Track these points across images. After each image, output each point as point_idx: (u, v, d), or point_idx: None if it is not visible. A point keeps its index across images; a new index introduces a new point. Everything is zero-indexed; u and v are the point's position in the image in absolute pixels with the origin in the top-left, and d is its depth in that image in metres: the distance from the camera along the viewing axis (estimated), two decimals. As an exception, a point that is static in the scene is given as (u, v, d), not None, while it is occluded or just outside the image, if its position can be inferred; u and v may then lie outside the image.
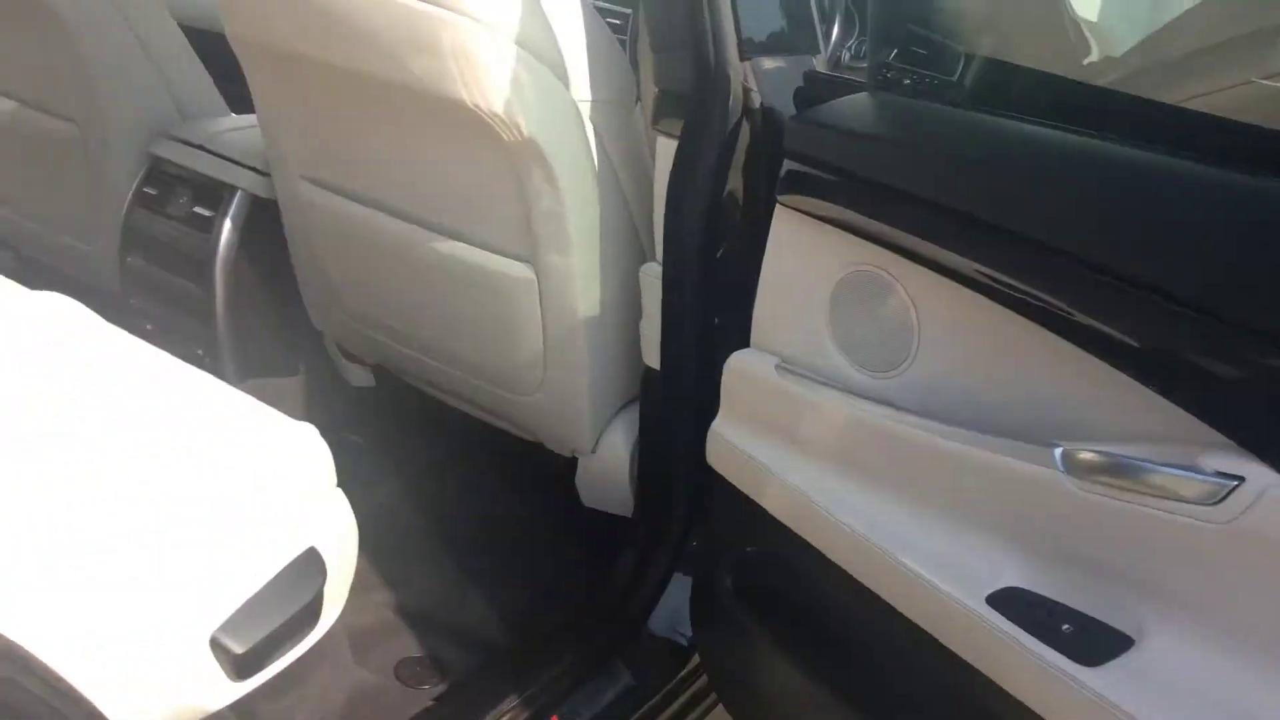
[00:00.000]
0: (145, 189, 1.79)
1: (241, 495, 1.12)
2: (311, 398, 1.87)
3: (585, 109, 1.33)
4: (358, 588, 1.36)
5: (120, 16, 1.76)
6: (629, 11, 1.94)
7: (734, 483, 1.21)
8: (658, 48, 1.27)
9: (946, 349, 1.01)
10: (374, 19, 1.28)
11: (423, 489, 1.78)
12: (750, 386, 1.18)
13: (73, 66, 1.74)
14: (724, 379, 1.21)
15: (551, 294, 1.42)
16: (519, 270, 1.42)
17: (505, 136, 1.28)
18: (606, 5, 1.96)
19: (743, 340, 1.21)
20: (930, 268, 0.99)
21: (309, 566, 1.14)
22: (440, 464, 1.83)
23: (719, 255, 1.27)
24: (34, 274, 2.09)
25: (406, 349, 1.68)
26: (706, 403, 1.26)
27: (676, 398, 1.36)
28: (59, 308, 1.42)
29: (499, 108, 1.25)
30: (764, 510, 1.15)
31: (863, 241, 1.04)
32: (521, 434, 1.68)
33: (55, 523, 1.06)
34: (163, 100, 1.85)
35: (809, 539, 1.08)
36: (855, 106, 1.11)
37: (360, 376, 1.87)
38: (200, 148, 1.77)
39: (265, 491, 1.13)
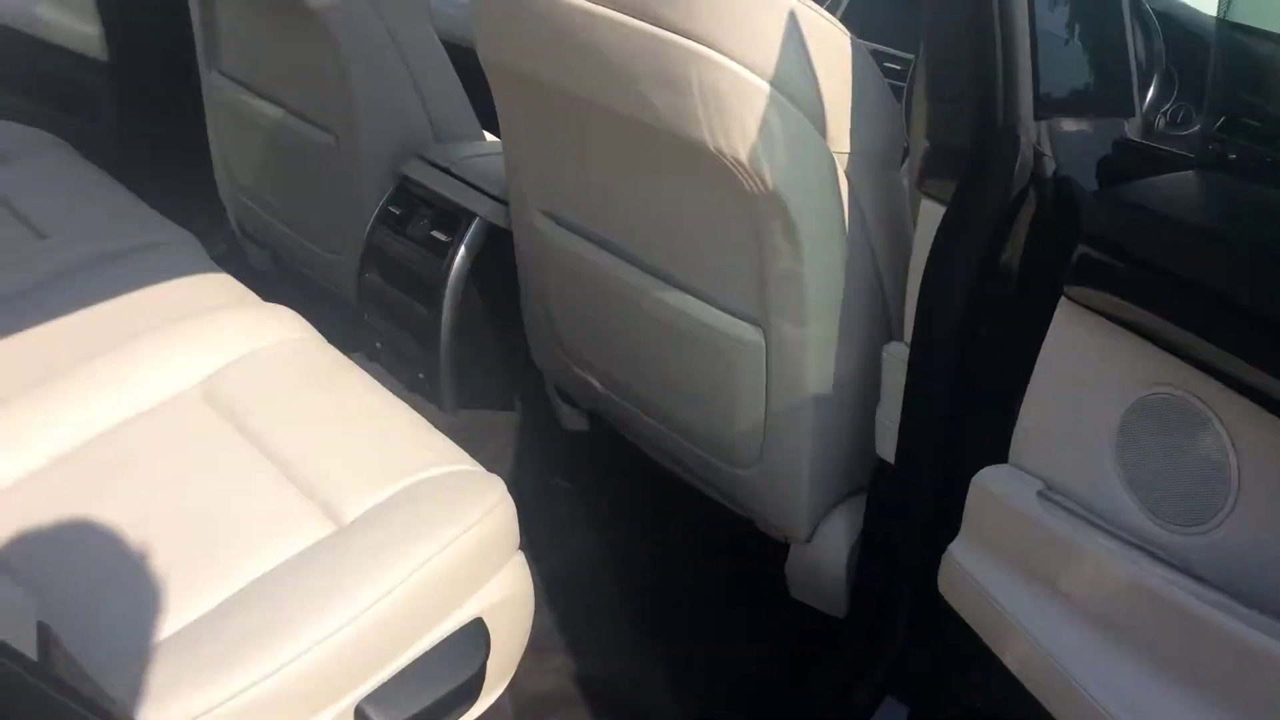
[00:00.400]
0: (390, 207, 1.78)
1: (412, 553, 1.03)
2: (523, 436, 1.80)
3: (842, 162, 1.17)
4: (537, 647, 1.26)
5: (387, 33, 1.76)
6: (910, 57, 1.76)
7: (969, 621, 1.01)
8: (937, 97, 1.09)
9: (1274, 508, 0.78)
10: (620, 48, 1.17)
11: (622, 549, 1.67)
12: (1003, 511, 0.98)
13: (338, 79, 1.75)
14: (971, 495, 1.02)
15: (779, 363, 1.27)
16: (747, 333, 1.28)
17: (747, 186, 1.14)
18: (887, 49, 1.80)
19: (998, 452, 1.01)
20: (1259, 401, 0.77)
21: (473, 639, 1.04)
22: (644, 525, 1.71)
23: (980, 345, 1.07)
24: (290, 277, 2.15)
25: (622, 399, 1.57)
26: (945, 515, 1.07)
27: (911, 503, 1.17)
28: (282, 321, 1.41)
29: (743, 154, 1.12)
30: (1002, 664, 0.95)
31: (1172, 357, 0.82)
32: (732, 508, 1.53)
33: (197, 560, 1.02)
34: (419, 120, 1.84)
35: (1057, 717, 0.87)
36: (1178, 187, 0.90)
37: (574, 420, 1.78)
38: (446, 171, 1.74)
39: (439, 551, 1.04)
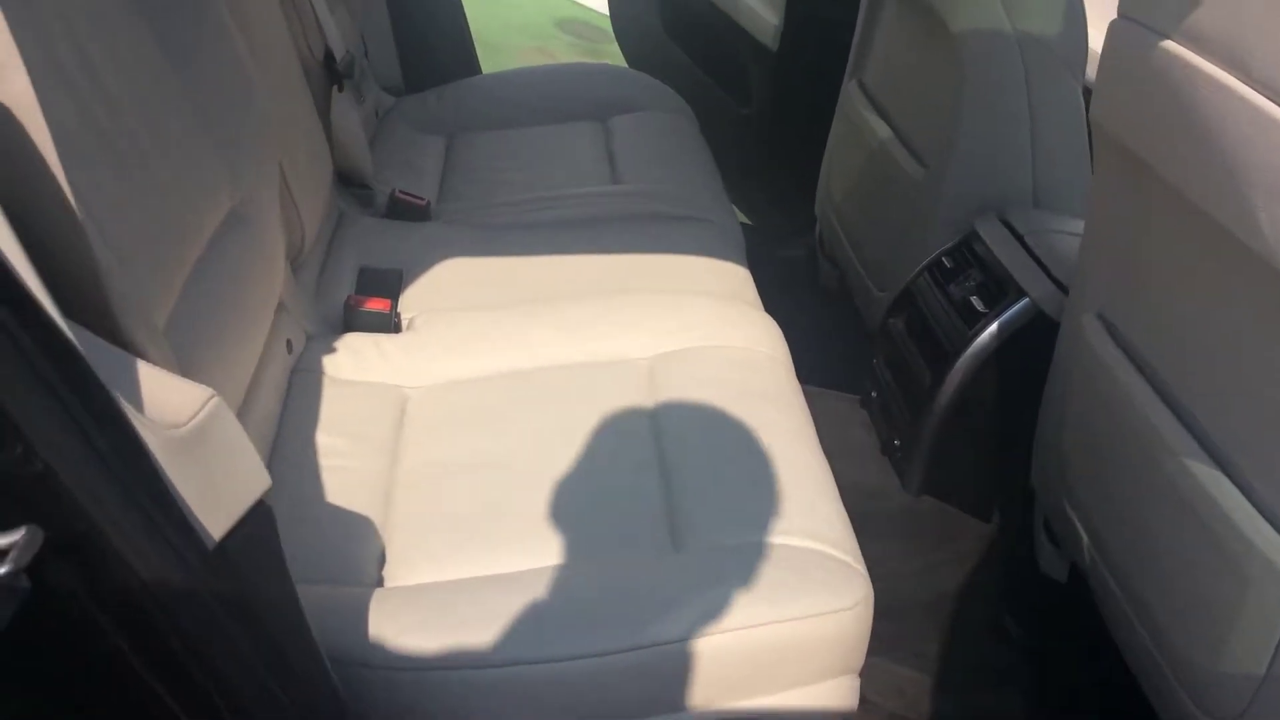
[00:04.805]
0: (943, 258, 1.61)
1: (723, 613, 0.89)
2: (984, 553, 1.53)
3: None
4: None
5: (1023, 77, 1.58)
6: None
7: None
8: None
9: None
10: (1240, 138, 0.89)
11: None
12: None
13: (952, 110, 1.62)
14: None
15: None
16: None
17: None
18: None
19: None
20: None
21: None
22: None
23: None
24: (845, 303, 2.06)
25: (1105, 568, 1.25)
26: None
27: None
28: (763, 332, 1.34)
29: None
30: None
31: None
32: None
33: (528, 520, 0.97)
34: (1020, 178, 1.63)
35: None
36: None
37: (1053, 564, 1.48)
38: (1019, 239, 1.52)
39: (749, 626, 0.89)
